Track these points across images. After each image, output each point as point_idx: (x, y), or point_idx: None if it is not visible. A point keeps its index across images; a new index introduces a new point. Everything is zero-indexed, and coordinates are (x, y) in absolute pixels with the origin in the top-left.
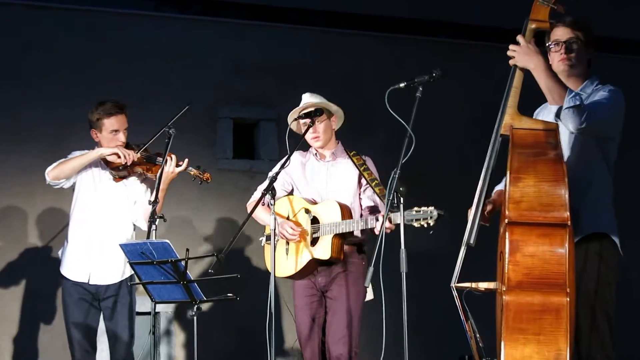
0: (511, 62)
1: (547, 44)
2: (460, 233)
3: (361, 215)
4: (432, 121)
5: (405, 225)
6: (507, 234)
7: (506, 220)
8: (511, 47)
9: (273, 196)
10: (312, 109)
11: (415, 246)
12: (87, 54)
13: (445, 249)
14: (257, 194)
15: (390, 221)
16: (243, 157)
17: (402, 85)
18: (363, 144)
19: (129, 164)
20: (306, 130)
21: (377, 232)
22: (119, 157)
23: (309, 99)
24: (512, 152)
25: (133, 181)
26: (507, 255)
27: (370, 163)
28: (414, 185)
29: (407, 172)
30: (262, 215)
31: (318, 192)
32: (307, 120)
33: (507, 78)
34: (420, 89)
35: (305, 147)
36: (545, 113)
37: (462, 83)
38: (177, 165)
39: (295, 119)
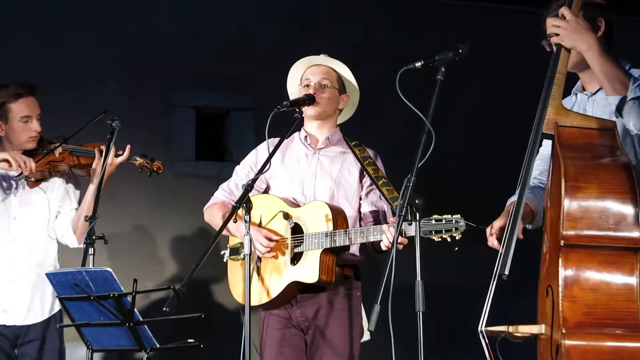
0: (555, 40)
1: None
2: (484, 258)
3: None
4: (456, 112)
5: (421, 237)
6: (560, 260)
7: (561, 243)
8: (554, 22)
9: (248, 210)
10: (323, 78)
11: (426, 273)
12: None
13: (464, 277)
14: (218, 195)
15: (402, 234)
16: (209, 159)
17: (418, 64)
18: (365, 140)
19: (25, 174)
20: (295, 104)
21: (384, 247)
22: (11, 165)
23: (325, 60)
24: (561, 154)
25: (55, 184)
26: (560, 289)
27: (374, 155)
28: (433, 191)
29: (425, 178)
30: (217, 218)
31: (302, 189)
32: (315, 82)
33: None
34: (443, 69)
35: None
36: (575, 108)
37: (495, 62)
38: (117, 155)
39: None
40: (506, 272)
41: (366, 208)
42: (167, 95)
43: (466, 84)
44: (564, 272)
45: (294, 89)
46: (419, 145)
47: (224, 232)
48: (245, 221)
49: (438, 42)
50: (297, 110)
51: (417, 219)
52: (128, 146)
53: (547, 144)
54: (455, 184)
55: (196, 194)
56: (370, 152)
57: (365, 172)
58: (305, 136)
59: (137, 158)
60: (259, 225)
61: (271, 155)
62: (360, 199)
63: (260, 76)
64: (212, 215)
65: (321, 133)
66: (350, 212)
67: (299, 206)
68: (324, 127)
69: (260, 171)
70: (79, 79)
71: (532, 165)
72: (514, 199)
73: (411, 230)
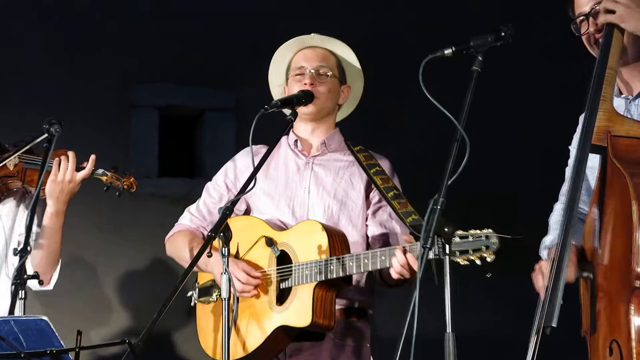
0: (611, 19)
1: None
2: (525, 291)
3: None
4: (490, 114)
5: (437, 258)
6: (631, 307)
7: (636, 284)
8: None
9: (227, 240)
10: (320, 64)
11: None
12: None
13: (497, 319)
14: (184, 221)
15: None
16: (176, 175)
17: (448, 51)
18: (377, 148)
19: None
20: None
21: (395, 276)
22: None
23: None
24: (625, 171)
25: (8, 206)
26: (634, 346)
27: (386, 165)
28: (458, 206)
29: (455, 196)
30: (184, 251)
31: (292, 209)
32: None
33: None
34: (480, 58)
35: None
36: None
37: (541, 51)
38: (79, 169)
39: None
40: (553, 324)
41: (374, 230)
42: (123, 91)
43: (501, 74)
44: (638, 323)
45: (280, 80)
46: (449, 157)
47: (190, 265)
48: (223, 255)
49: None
50: (289, 110)
51: (447, 251)
52: (92, 157)
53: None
54: (482, 191)
55: (159, 219)
56: (380, 160)
57: (372, 185)
58: (296, 140)
59: (106, 173)
60: (236, 255)
61: (257, 169)
62: (367, 219)
63: (245, 67)
64: (177, 246)
65: (316, 136)
66: (355, 237)
67: (285, 229)
68: (319, 128)
69: (243, 190)
70: (12, 67)
71: (580, 191)
72: (552, 238)
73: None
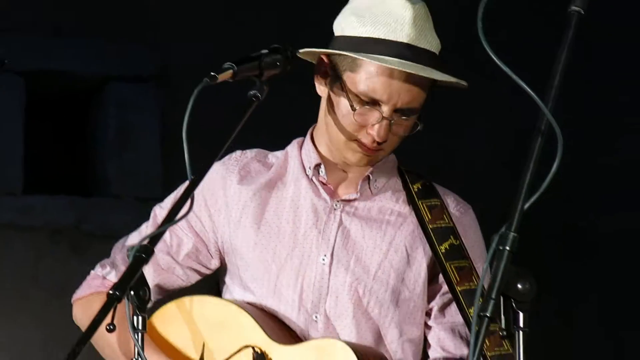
0: None
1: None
2: None
3: None
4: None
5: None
6: None
7: None
8: None
9: (142, 305)
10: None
11: None
12: None
13: None
14: (106, 272)
15: None
16: (57, 191)
17: None
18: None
19: None
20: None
21: None
22: None
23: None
24: None
25: None
26: None
27: (473, 228)
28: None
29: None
30: (110, 339)
31: (298, 291)
32: None
33: None
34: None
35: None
36: None
37: None
38: None
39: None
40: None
41: (441, 340)
42: None
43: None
44: None
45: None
46: (528, 163)
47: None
48: (135, 329)
49: None
50: (257, 81)
51: (522, 324)
52: None
53: None
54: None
55: (28, 268)
56: (457, 213)
57: (436, 255)
58: (318, 165)
59: None
60: None
61: (201, 173)
62: (430, 315)
63: (175, 12)
64: (89, 316)
65: (360, 168)
66: (407, 350)
67: (290, 336)
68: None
69: (173, 214)
70: None
71: None
72: None
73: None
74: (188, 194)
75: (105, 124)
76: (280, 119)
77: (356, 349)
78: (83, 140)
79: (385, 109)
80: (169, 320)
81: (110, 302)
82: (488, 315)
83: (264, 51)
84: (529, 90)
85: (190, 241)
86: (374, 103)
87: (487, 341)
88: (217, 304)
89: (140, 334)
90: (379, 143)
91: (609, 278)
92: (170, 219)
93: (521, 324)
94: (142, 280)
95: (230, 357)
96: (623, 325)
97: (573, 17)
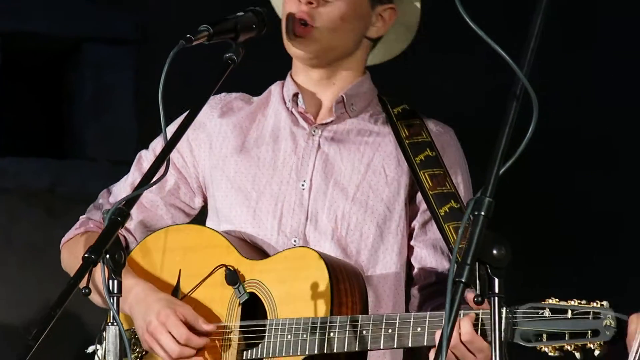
0: None
1: None
2: None
3: (408, 306)
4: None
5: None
6: None
7: None
8: None
9: (117, 268)
10: None
11: None
12: None
13: None
14: (95, 215)
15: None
16: (33, 153)
17: None
18: None
19: None
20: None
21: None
22: None
23: None
24: None
25: None
26: None
27: (448, 144)
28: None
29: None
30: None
31: (277, 216)
32: None
33: None
34: None
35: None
36: None
37: None
38: None
39: None
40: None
41: (424, 258)
42: None
43: None
44: None
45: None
46: (503, 129)
47: (100, 301)
48: (110, 292)
49: None
50: (233, 44)
51: (497, 290)
52: None
53: None
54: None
55: (3, 225)
56: (439, 134)
57: (415, 175)
58: (296, 94)
59: None
60: (174, 292)
61: (175, 136)
62: (411, 236)
63: None
64: (77, 257)
65: (329, 88)
66: (390, 267)
67: (265, 256)
68: (335, 75)
69: (148, 178)
70: None
71: None
72: None
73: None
74: (163, 157)
75: (81, 86)
76: (258, 80)
77: (324, 257)
78: (59, 102)
79: None
80: (146, 253)
81: (86, 266)
82: (463, 280)
83: (240, 14)
84: (504, 54)
85: (172, 178)
86: None
87: (454, 234)
88: (191, 229)
89: (115, 298)
90: (308, 4)
91: None
92: (147, 181)
93: (496, 290)
94: (118, 243)
95: (204, 279)
96: None
97: None
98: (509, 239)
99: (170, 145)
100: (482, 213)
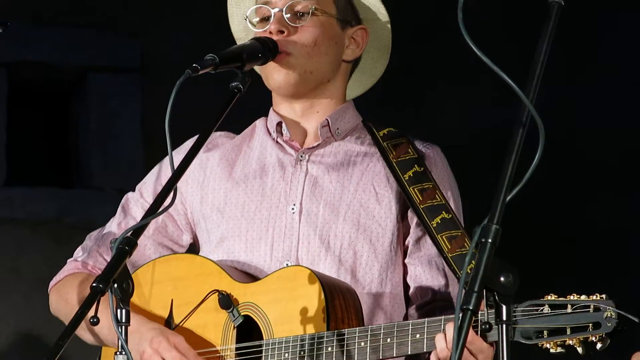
0: None
1: None
2: None
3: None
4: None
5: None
6: None
7: None
8: None
9: (125, 297)
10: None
11: None
12: None
13: None
14: (80, 256)
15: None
16: (39, 183)
17: None
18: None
19: None
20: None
21: None
22: None
23: None
24: None
25: None
26: None
27: (435, 160)
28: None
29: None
30: (74, 302)
31: (269, 241)
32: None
33: None
34: None
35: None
36: None
37: None
38: None
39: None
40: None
41: (419, 275)
42: None
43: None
44: None
45: (242, 26)
46: (509, 155)
47: (92, 338)
48: (119, 322)
49: None
50: (237, 73)
51: (505, 318)
52: None
53: None
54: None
55: (9, 259)
56: (426, 151)
57: (407, 196)
58: (279, 123)
59: None
60: (167, 323)
61: (182, 165)
62: (406, 253)
63: (156, 3)
64: (67, 300)
65: (311, 117)
66: (384, 287)
67: (253, 279)
68: (315, 105)
69: (156, 205)
70: None
71: None
72: None
73: (495, 335)
74: (170, 186)
75: (87, 116)
76: (262, 110)
77: (319, 275)
78: (65, 131)
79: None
80: (137, 286)
81: (94, 295)
82: (471, 308)
83: (246, 43)
84: (510, 81)
85: (160, 216)
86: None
87: (447, 244)
88: (181, 259)
89: (123, 327)
90: (279, 34)
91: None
92: (154, 210)
93: (504, 317)
94: (126, 272)
95: (197, 305)
96: None
97: (553, 7)
98: (515, 264)
99: (177, 173)
100: (490, 240)
